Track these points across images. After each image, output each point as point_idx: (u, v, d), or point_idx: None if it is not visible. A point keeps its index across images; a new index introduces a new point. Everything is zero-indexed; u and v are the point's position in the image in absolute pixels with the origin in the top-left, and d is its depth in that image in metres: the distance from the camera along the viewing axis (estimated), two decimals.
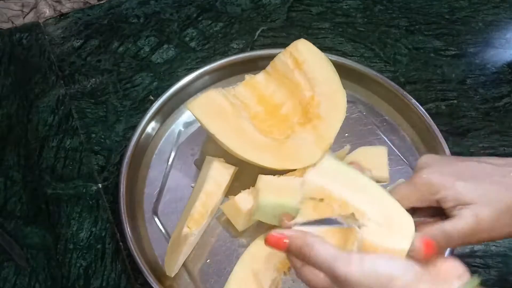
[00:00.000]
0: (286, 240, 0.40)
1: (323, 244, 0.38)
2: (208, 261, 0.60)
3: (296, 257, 0.40)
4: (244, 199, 0.59)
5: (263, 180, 0.58)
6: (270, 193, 0.55)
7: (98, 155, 0.69)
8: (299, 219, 0.44)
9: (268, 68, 0.68)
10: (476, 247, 0.62)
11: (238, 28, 0.83)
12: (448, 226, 0.38)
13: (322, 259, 0.37)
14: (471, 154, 0.70)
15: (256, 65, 0.72)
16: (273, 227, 0.51)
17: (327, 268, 0.37)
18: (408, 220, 0.42)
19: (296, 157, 0.61)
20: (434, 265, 0.37)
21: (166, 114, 0.71)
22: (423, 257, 0.37)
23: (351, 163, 0.53)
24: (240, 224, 0.61)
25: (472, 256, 0.61)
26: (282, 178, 0.58)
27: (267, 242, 0.41)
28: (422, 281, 0.35)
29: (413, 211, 0.43)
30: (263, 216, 0.57)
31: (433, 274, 0.36)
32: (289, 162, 0.61)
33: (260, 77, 0.68)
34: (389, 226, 0.42)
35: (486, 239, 0.39)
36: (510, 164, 0.40)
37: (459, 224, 0.38)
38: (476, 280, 0.35)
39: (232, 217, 0.61)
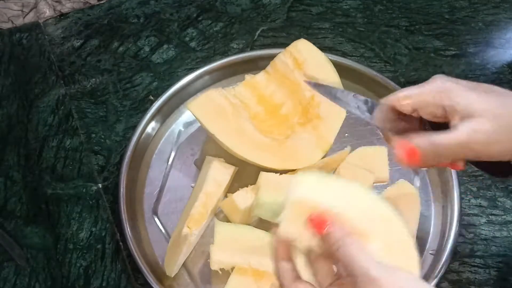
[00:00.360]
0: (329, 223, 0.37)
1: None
2: (208, 261, 0.60)
3: (330, 241, 0.37)
4: (242, 197, 0.59)
5: (264, 177, 0.58)
6: (271, 190, 0.56)
7: (98, 155, 0.69)
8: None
9: (268, 68, 0.68)
10: (476, 247, 0.62)
11: (238, 28, 0.83)
12: (436, 137, 0.38)
13: (361, 258, 0.35)
14: None
15: (256, 65, 0.72)
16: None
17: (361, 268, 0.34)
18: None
19: (296, 157, 0.62)
20: None
21: (166, 114, 0.71)
22: (405, 162, 0.37)
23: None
24: (237, 221, 0.61)
25: (472, 256, 0.62)
26: (284, 175, 0.59)
27: (310, 221, 0.38)
28: None
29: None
30: (262, 212, 0.57)
31: None
32: (289, 162, 0.61)
33: (260, 77, 0.68)
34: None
35: (482, 152, 0.37)
36: None
37: (450, 136, 0.37)
38: None
39: (230, 214, 0.61)
